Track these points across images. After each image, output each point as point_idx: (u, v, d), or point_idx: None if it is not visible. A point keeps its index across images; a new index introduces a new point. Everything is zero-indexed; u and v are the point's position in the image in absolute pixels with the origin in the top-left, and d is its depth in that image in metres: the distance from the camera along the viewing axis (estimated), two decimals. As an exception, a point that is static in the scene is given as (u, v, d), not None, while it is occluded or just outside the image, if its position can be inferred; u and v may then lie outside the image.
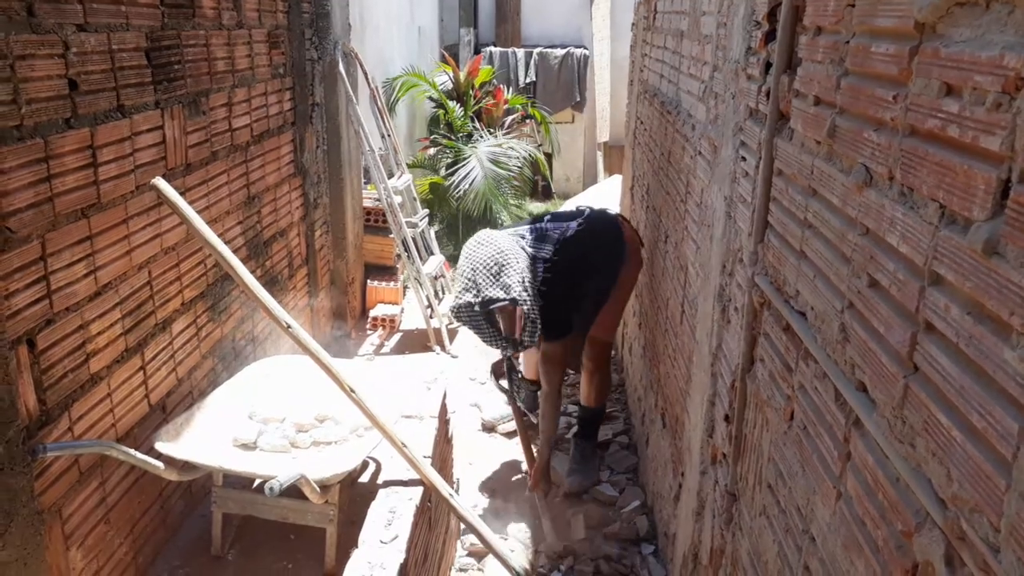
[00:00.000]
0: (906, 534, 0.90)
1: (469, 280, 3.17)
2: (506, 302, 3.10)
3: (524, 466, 3.77)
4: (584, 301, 3.38)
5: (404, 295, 5.67)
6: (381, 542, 2.02)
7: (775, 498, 1.45)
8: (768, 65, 1.63)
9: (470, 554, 3.15)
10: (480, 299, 3.12)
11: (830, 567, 1.14)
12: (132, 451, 2.24)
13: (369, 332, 5.28)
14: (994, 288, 0.73)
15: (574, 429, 3.83)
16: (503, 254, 3.17)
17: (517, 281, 3.12)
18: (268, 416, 2.73)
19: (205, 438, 2.55)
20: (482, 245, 3.24)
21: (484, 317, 3.20)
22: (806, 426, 1.28)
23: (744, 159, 1.83)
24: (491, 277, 3.12)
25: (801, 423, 1.31)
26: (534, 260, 3.24)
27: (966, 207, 0.79)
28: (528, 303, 3.13)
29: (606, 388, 3.70)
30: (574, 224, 3.40)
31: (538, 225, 3.43)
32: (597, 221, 3.49)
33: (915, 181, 0.92)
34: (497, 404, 4.31)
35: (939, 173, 0.86)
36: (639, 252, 3.54)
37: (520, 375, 3.86)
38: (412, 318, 5.48)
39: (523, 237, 3.32)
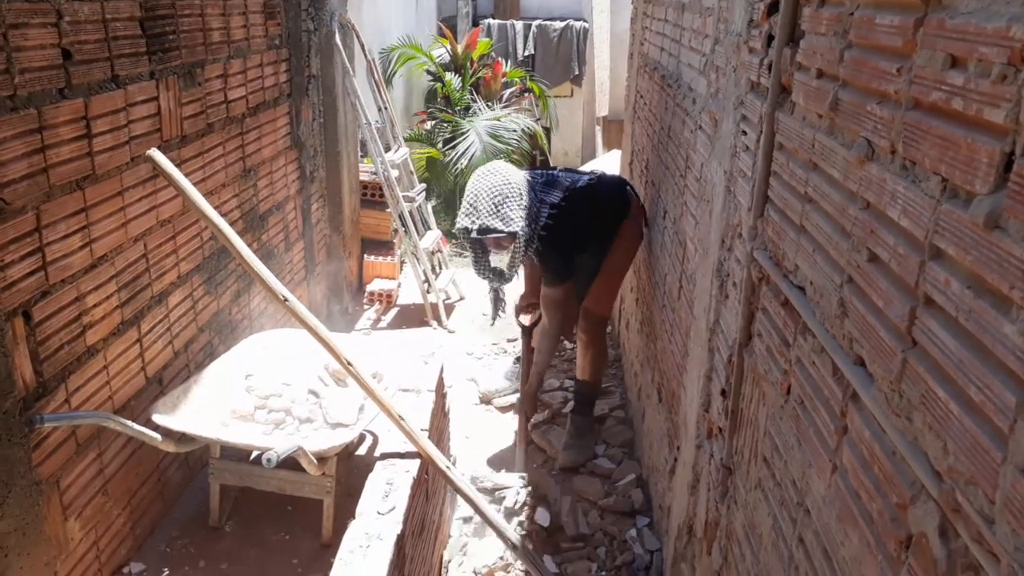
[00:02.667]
0: (901, 506, 0.90)
1: (470, 205, 3.21)
2: (502, 235, 3.15)
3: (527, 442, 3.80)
4: (584, 257, 3.41)
5: (401, 270, 5.66)
6: (378, 513, 2.03)
7: (771, 471, 1.46)
8: (770, 38, 1.61)
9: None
10: (477, 226, 3.16)
11: (824, 539, 1.15)
12: (129, 422, 2.25)
13: (366, 307, 5.28)
14: (995, 262, 0.73)
15: (570, 404, 3.84)
16: (509, 186, 3.19)
17: (519, 216, 3.15)
18: (265, 389, 2.73)
19: (202, 410, 2.56)
20: (491, 174, 3.26)
21: (477, 244, 3.27)
22: (803, 400, 1.29)
23: (745, 133, 1.82)
24: (493, 206, 3.15)
25: (798, 397, 1.31)
26: (541, 203, 3.27)
27: (968, 180, 0.79)
28: (523, 240, 3.17)
29: (601, 363, 3.70)
30: (586, 178, 3.46)
31: (550, 171, 3.47)
32: (608, 183, 3.55)
33: (917, 154, 0.91)
34: (495, 376, 4.32)
35: (942, 146, 0.85)
36: (641, 226, 3.54)
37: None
38: (409, 293, 5.48)
39: (534, 179, 3.36)
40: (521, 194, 3.19)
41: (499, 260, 3.33)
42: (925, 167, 0.89)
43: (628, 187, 3.57)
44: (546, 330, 3.50)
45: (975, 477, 0.75)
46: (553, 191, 3.33)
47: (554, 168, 3.59)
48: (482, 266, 3.36)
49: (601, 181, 3.51)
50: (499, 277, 3.39)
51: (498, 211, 3.14)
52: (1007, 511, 0.69)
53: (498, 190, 3.17)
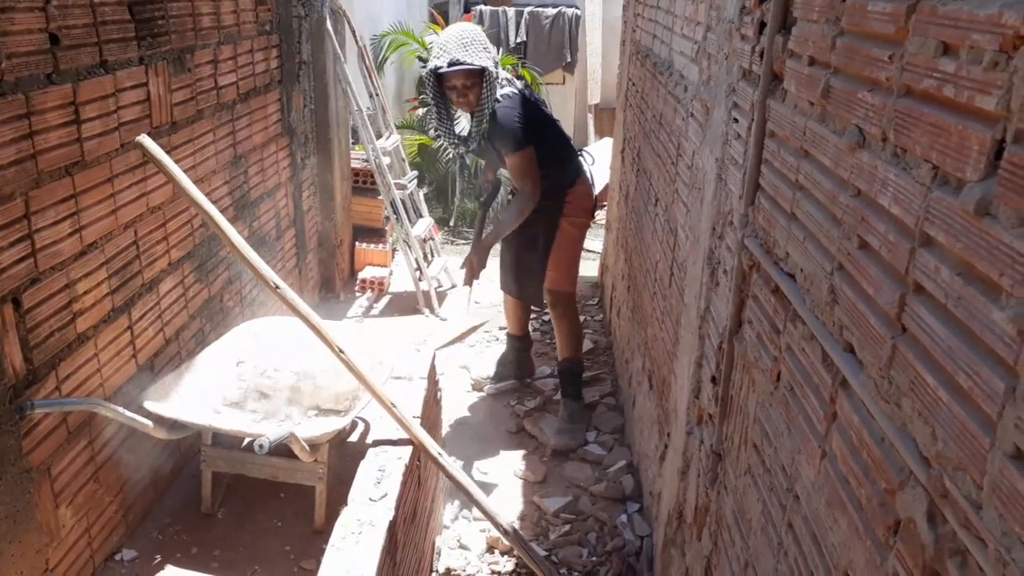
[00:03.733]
0: (889, 492, 0.91)
1: (439, 48, 3.24)
2: (472, 67, 3.18)
3: (519, 429, 3.81)
4: (536, 222, 3.44)
5: (393, 258, 5.65)
6: (370, 500, 2.04)
7: (760, 457, 1.47)
8: (762, 25, 1.61)
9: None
10: (447, 60, 3.19)
11: (813, 524, 1.16)
12: (121, 409, 2.24)
13: (358, 294, 5.27)
14: (984, 249, 0.74)
15: (560, 387, 3.85)
16: (477, 33, 3.27)
17: (488, 58, 3.21)
18: (257, 376, 2.73)
19: (194, 397, 2.56)
20: (458, 27, 3.35)
21: (440, 99, 3.35)
22: (792, 387, 1.29)
23: (736, 121, 1.82)
24: (461, 45, 3.20)
25: (788, 384, 1.32)
26: (501, 76, 3.34)
27: (959, 168, 0.79)
28: (493, 79, 3.22)
29: (577, 336, 3.74)
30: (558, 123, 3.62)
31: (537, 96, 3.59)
32: (568, 139, 3.67)
33: (908, 142, 0.91)
34: (487, 364, 4.33)
35: (933, 134, 0.85)
36: (591, 204, 3.64)
37: (508, 333, 3.93)
38: (401, 281, 5.47)
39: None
40: (488, 47, 3.26)
41: (461, 126, 3.43)
42: (916, 154, 0.89)
43: (584, 162, 3.66)
44: (514, 215, 3.43)
45: (963, 463, 0.75)
46: (518, 82, 3.44)
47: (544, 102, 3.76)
48: (445, 127, 3.42)
49: (562, 130, 3.63)
50: (463, 142, 3.43)
51: (466, 49, 3.18)
52: (995, 497, 0.69)
53: (468, 35, 3.23)
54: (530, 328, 4.22)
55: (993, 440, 0.70)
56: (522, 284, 3.75)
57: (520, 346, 4.10)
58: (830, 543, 1.09)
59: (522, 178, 3.37)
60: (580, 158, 3.63)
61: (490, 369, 4.27)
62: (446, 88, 3.33)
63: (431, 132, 3.47)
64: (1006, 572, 0.67)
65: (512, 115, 3.28)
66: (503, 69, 3.42)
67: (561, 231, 3.54)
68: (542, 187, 3.36)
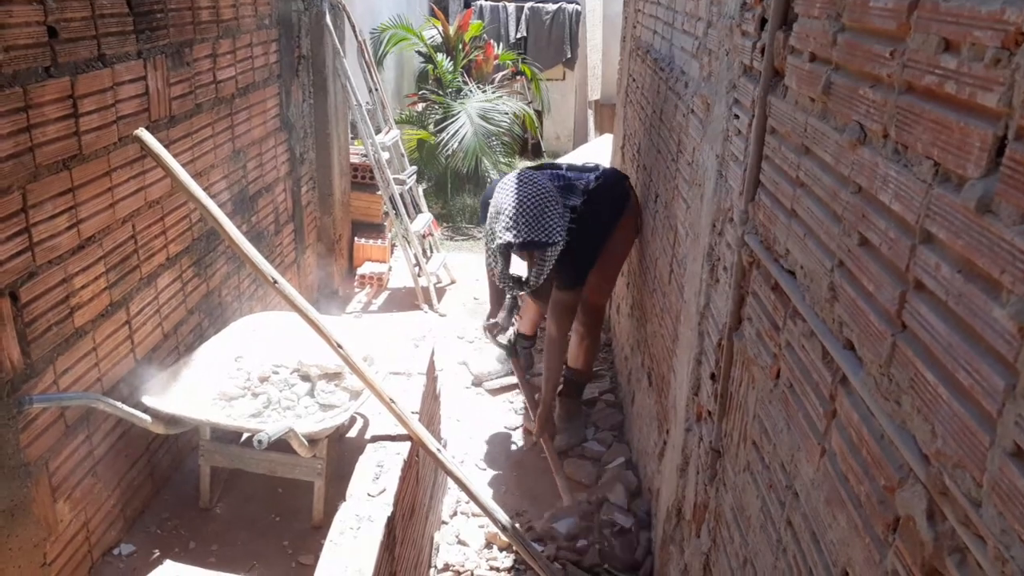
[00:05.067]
0: (889, 489, 0.91)
1: (511, 219, 3.11)
2: (548, 246, 3.09)
3: (517, 425, 3.81)
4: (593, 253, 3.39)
5: (392, 253, 5.64)
6: (369, 495, 2.04)
7: (759, 455, 1.47)
8: (763, 21, 1.61)
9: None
10: (520, 240, 3.08)
11: (812, 522, 1.16)
12: (119, 404, 2.24)
13: (356, 290, 5.27)
14: (985, 246, 0.73)
15: (559, 387, 3.85)
16: (545, 196, 3.15)
17: (559, 226, 3.11)
18: (256, 371, 2.73)
19: (192, 392, 2.55)
20: (526, 184, 3.20)
21: (505, 254, 3.20)
22: (792, 384, 1.29)
23: (737, 117, 1.81)
24: (534, 218, 3.09)
25: (787, 381, 1.32)
26: (564, 207, 3.22)
27: (960, 165, 0.79)
28: (559, 248, 3.12)
29: (594, 353, 3.73)
30: (593, 176, 3.43)
31: (559, 172, 3.43)
32: (611, 178, 3.52)
33: (909, 139, 0.91)
34: (486, 360, 4.33)
35: (934, 130, 0.85)
36: (638, 220, 3.54)
37: (516, 331, 3.89)
38: (400, 276, 5.47)
39: (554, 183, 3.32)
40: (557, 202, 3.15)
41: (518, 267, 3.32)
42: (917, 151, 0.89)
43: (627, 180, 3.58)
44: (555, 340, 3.40)
45: (963, 460, 0.75)
46: (572, 195, 3.29)
47: (560, 167, 3.53)
48: (506, 275, 3.28)
49: (606, 177, 3.47)
50: (519, 285, 3.31)
51: (539, 223, 3.09)
52: (994, 494, 0.69)
53: (536, 200, 3.11)
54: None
55: (993, 437, 0.70)
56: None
57: (528, 344, 4.12)
58: (829, 540, 1.09)
59: (562, 315, 3.35)
60: (627, 184, 3.55)
61: (490, 365, 4.27)
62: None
63: (499, 278, 3.37)
64: (1005, 570, 0.67)
65: (571, 256, 3.20)
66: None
67: (611, 246, 3.45)
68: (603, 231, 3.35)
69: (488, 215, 3.22)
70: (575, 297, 3.36)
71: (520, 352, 3.95)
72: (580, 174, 3.43)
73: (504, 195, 3.19)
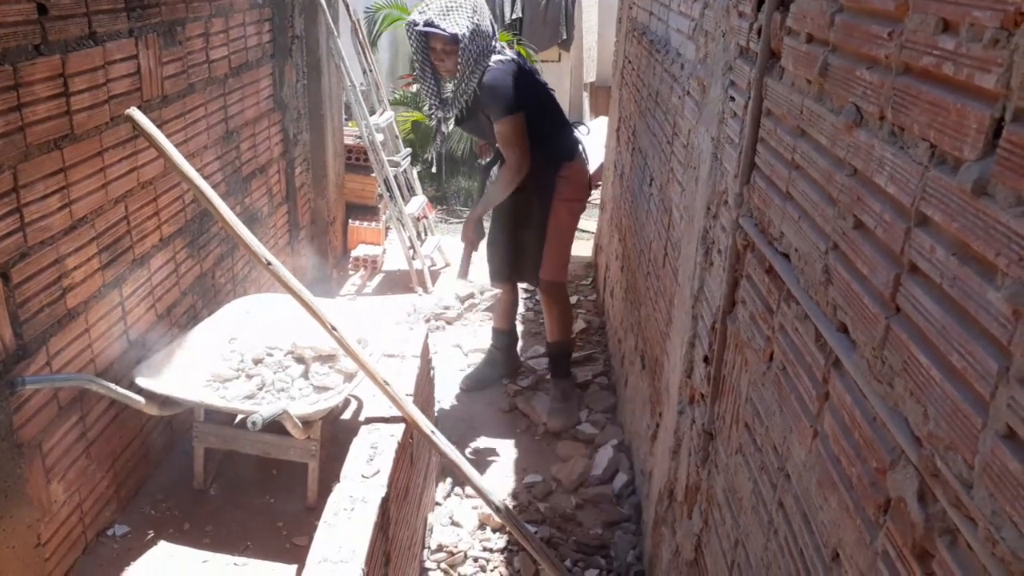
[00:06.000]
0: (880, 471, 0.91)
1: (425, 5, 3.22)
2: (444, 34, 3.15)
3: (510, 408, 3.82)
4: (528, 197, 3.41)
5: (386, 236, 5.63)
6: (363, 477, 2.04)
7: (751, 437, 1.47)
8: (760, 2, 1.59)
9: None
10: (423, 19, 3.18)
11: (804, 503, 1.17)
12: (112, 385, 2.23)
13: (351, 272, 5.26)
14: (981, 228, 0.73)
15: (551, 369, 3.84)
16: (481, 3, 3.24)
17: (466, 25, 3.15)
18: (249, 353, 2.72)
19: (186, 374, 2.55)
20: None
21: (422, 52, 3.29)
22: (785, 367, 1.29)
23: (733, 99, 1.80)
24: (443, 7, 3.17)
25: (780, 364, 1.32)
26: (493, 37, 3.29)
27: (957, 147, 0.79)
28: (467, 50, 3.17)
29: (567, 320, 3.73)
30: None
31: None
32: (562, 114, 3.58)
33: (906, 120, 0.91)
34: (481, 341, 4.33)
35: (931, 112, 0.84)
36: (586, 184, 3.58)
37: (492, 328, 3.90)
38: (394, 259, 5.46)
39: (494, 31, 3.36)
40: (477, 12, 3.21)
41: (447, 91, 3.39)
42: (914, 133, 0.89)
43: (579, 138, 3.61)
44: (508, 167, 3.36)
45: (955, 443, 0.75)
46: (509, 51, 3.37)
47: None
48: (428, 87, 3.37)
49: (557, 102, 3.56)
50: (442, 105, 3.40)
51: (447, 14, 3.15)
52: (986, 476, 0.70)
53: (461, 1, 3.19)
54: (522, 308, 4.21)
55: (985, 420, 0.70)
56: (517, 265, 3.71)
57: (508, 343, 4.03)
58: (820, 522, 1.10)
59: (510, 146, 3.29)
60: (576, 134, 3.57)
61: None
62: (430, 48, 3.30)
63: (417, 89, 3.47)
64: (995, 551, 0.67)
65: (502, 79, 3.23)
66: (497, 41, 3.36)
67: (555, 215, 3.47)
68: (534, 159, 3.30)
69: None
70: (517, 121, 3.26)
71: (499, 351, 3.98)
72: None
73: None
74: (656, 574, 2.46)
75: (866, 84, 1.03)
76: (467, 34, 3.15)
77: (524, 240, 3.58)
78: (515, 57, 3.38)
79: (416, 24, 3.21)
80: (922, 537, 0.80)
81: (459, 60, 3.19)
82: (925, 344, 0.83)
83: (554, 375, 3.74)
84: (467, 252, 3.56)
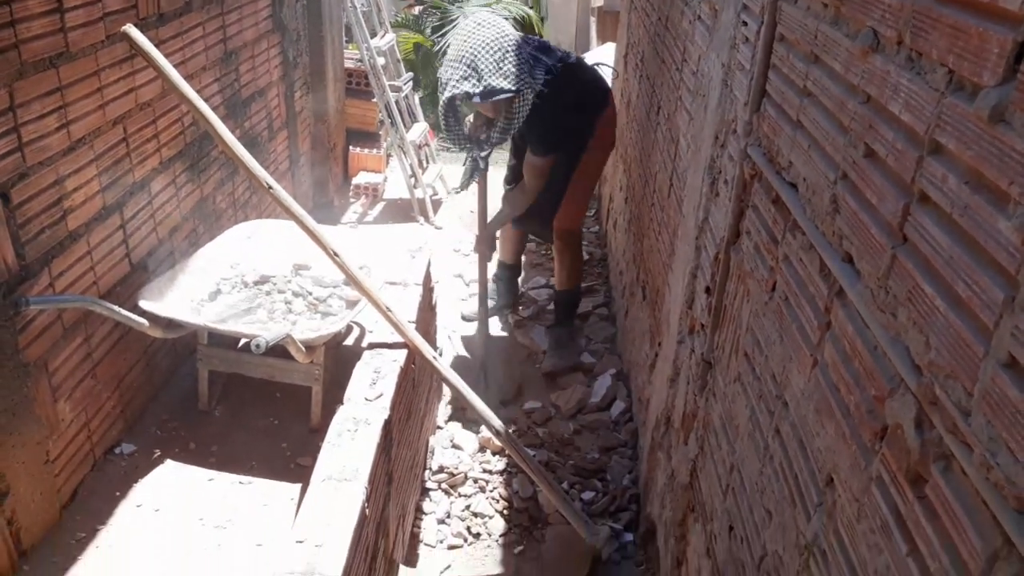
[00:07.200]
0: (878, 399, 0.92)
1: (469, 67, 2.91)
2: (511, 93, 2.92)
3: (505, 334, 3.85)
4: (560, 154, 3.28)
5: (387, 163, 5.57)
6: (366, 399, 2.07)
7: (751, 366, 1.49)
8: (778, -80, 1.53)
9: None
10: (481, 89, 2.89)
11: (800, 430, 1.19)
12: (116, 307, 2.25)
13: (352, 200, 5.22)
14: (996, 156, 0.72)
15: (553, 318, 3.82)
16: (506, 39, 2.96)
17: (519, 72, 2.92)
18: (251, 277, 2.73)
19: (189, 297, 2.56)
20: (485, 27, 2.98)
21: (452, 111, 3.06)
22: (787, 296, 1.30)
23: (745, 24, 1.75)
24: (495, 64, 2.89)
25: (783, 294, 1.32)
26: (536, 61, 3.05)
27: (976, 72, 0.77)
28: (529, 96, 2.96)
29: (578, 270, 3.66)
30: (572, 56, 3.33)
31: (536, 38, 3.30)
32: (588, 67, 3.40)
33: (925, 45, 0.88)
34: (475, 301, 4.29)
35: (951, 36, 0.82)
36: (614, 131, 3.46)
37: (498, 260, 3.87)
38: (396, 187, 5.41)
39: (526, 38, 3.17)
40: (519, 48, 2.98)
41: (475, 128, 3.22)
42: (932, 58, 0.86)
43: (605, 85, 3.47)
44: (522, 190, 3.33)
45: (955, 371, 0.76)
46: (546, 55, 3.12)
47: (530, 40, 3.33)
48: (455, 135, 3.16)
49: (582, 62, 3.37)
50: (478, 145, 3.20)
51: (500, 68, 2.87)
52: (984, 403, 0.70)
53: (497, 44, 2.90)
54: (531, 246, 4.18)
55: (987, 349, 0.71)
56: (531, 221, 3.62)
57: (510, 275, 4.01)
58: (816, 448, 1.12)
59: (535, 177, 3.28)
60: (603, 81, 3.41)
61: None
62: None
63: (447, 137, 3.22)
64: (990, 475, 0.68)
65: (551, 123, 3.08)
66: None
67: (583, 167, 3.36)
68: (568, 131, 3.21)
69: (444, 63, 3.07)
70: (548, 163, 3.23)
71: (501, 281, 3.95)
72: (547, 53, 3.20)
73: (463, 40, 2.98)
74: (651, 497, 2.52)
75: (884, 7, 1.00)
76: (529, 83, 2.93)
77: (543, 200, 3.45)
78: (556, 61, 3.12)
79: (471, 96, 2.90)
80: (916, 462, 0.82)
81: (517, 103, 2.97)
82: (931, 274, 0.83)
83: (557, 320, 3.70)
84: (482, 266, 3.49)
